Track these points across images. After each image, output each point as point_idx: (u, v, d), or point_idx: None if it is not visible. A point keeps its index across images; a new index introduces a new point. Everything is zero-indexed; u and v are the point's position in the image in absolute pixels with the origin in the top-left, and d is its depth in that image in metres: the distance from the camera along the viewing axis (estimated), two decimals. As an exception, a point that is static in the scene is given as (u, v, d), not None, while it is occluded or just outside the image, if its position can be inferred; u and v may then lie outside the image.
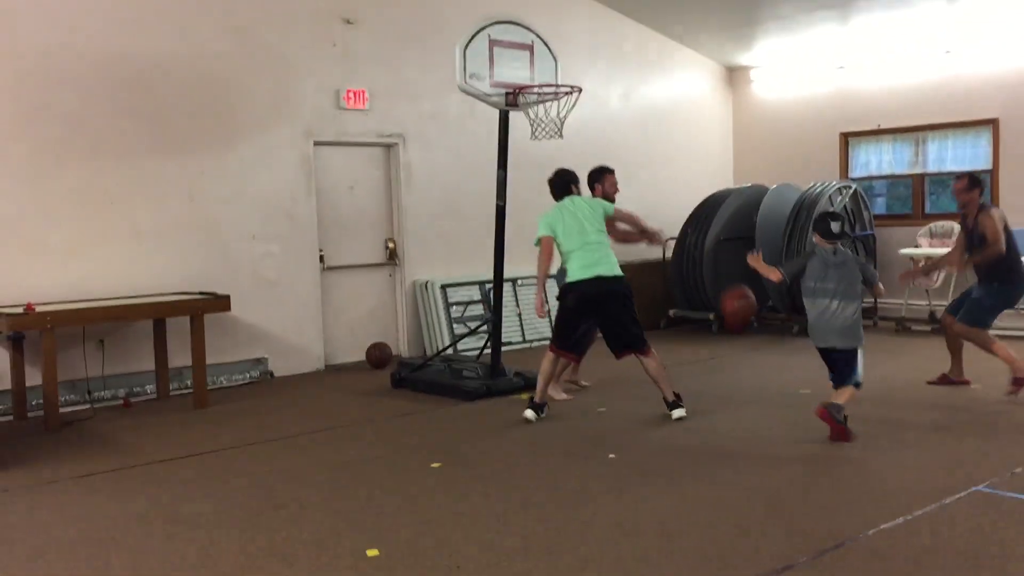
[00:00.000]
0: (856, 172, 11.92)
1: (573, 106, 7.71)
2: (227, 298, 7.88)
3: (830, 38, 11.38)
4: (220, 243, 8.57)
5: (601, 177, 7.43)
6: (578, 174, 7.05)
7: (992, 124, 10.63)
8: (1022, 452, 5.37)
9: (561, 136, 7.79)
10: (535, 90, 7.56)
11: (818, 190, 10.75)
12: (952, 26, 10.51)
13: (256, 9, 8.79)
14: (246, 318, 8.64)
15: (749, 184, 11.78)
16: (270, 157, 8.86)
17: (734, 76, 12.95)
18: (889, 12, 10.44)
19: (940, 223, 10.82)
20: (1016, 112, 10.41)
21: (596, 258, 6.51)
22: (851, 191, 11.04)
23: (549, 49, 7.80)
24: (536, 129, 7.68)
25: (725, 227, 10.98)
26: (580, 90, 7.68)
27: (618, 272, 6.59)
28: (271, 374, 8.78)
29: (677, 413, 6.51)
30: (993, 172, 10.64)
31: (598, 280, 6.47)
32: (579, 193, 6.94)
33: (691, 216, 11.40)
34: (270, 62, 8.85)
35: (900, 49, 11.16)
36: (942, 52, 10.90)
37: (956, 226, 10.47)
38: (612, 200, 7.25)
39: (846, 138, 11.89)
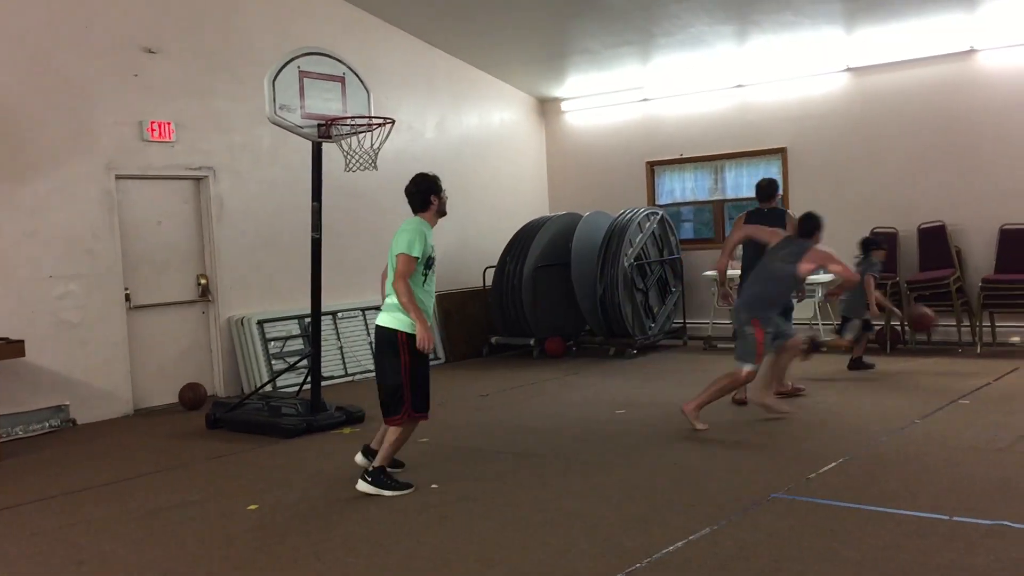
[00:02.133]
0: (662, 199, 12.51)
1: (387, 137, 7.72)
2: (21, 343, 7.38)
3: (634, 72, 11.94)
4: (14, 283, 8.02)
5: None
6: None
7: (782, 152, 11.43)
8: (814, 461, 5.74)
9: (376, 167, 7.78)
10: (348, 121, 7.52)
11: (628, 217, 11.20)
12: (743, 63, 11.26)
13: (49, 37, 8.33)
14: (44, 363, 8.11)
15: (564, 212, 12.14)
16: (68, 191, 8.39)
17: (546, 107, 13.34)
18: (685, 51, 11.09)
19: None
20: (801, 141, 11.23)
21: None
22: (658, 217, 11.57)
23: (361, 81, 7.79)
24: (350, 161, 7.63)
25: (542, 254, 11.26)
26: (393, 121, 7.70)
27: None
28: (73, 422, 8.26)
29: (362, 486, 5.48)
30: (784, 197, 11.42)
31: None
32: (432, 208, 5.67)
33: (509, 244, 11.62)
34: (65, 92, 8.40)
35: (698, 83, 11.84)
36: (735, 86, 11.65)
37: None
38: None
39: (652, 166, 12.47)
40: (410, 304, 5.30)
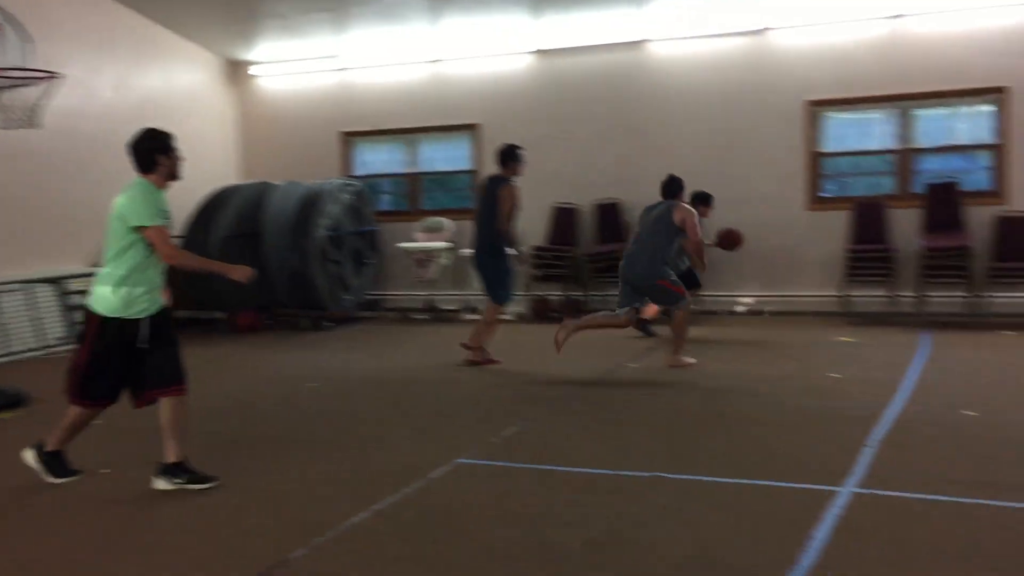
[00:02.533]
0: (359, 170, 12.45)
1: (50, 94, 7.04)
2: None
3: (329, 40, 11.75)
4: None
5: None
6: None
7: (474, 128, 11.76)
8: (500, 425, 5.99)
9: (38, 126, 7.08)
10: (3, 74, 6.77)
11: (322, 187, 11.04)
12: (439, 39, 11.43)
13: None
14: None
15: (256, 181, 11.73)
16: None
17: (237, 71, 12.79)
18: (381, 23, 11.08)
19: (434, 219, 11.71)
20: (493, 118, 11.61)
21: None
22: (354, 188, 11.51)
23: (17, 29, 7.03)
24: (4, 118, 6.89)
25: (232, 224, 10.82)
26: (57, 75, 7.03)
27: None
28: None
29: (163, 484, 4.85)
30: (476, 173, 11.78)
31: None
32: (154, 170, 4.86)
33: (196, 214, 11.06)
34: None
35: (394, 55, 11.87)
36: (431, 61, 11.80)
37: (446, 221, 11.45)
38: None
39: (347, 137, 12.36)
40: (195, 261, 5.04)
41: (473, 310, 11.40)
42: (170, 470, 4.83)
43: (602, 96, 11.12)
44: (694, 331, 8.36)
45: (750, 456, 5.13)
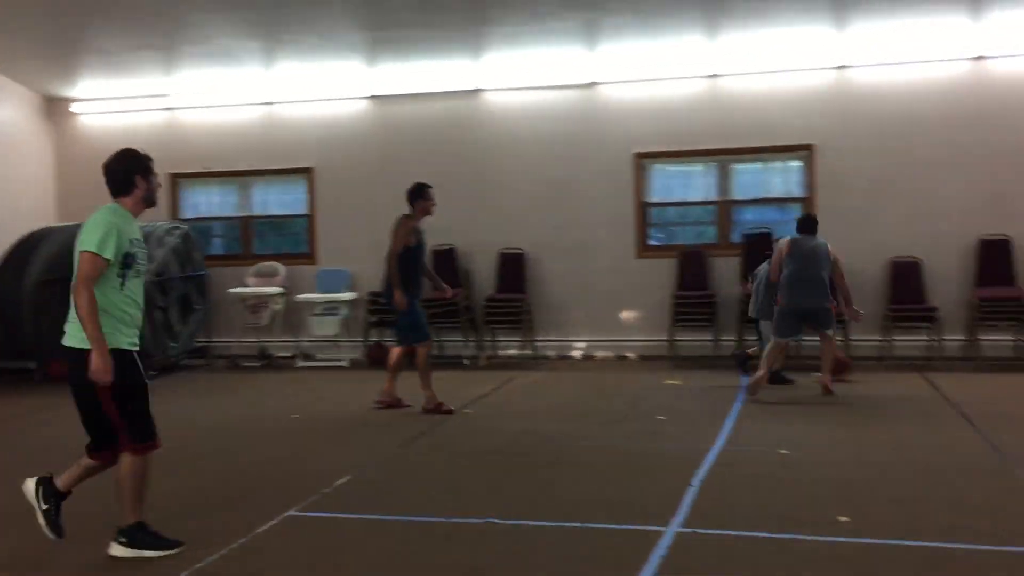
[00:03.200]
0: (188, 213, 12.04)
1: None
2: None
3: (158, 78, 11.37)
4: None
5: None
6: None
7: (309, 172, 11.61)
8: (327, 476, 5.86)
9: None
10: None
11: (146, 231, 10.59)
12: (271, 81, 11.28)
13: None
14: None
15: (75, 223, 11.13)
16: None
17: (57, 108, 12.15)
18: (213, 64, 10.85)
19: (267, 263, 11.45)
20: (328, 162, 11.50)
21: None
22: (181, 232, 11.09)
23: None
24: None
25: (47, 267, 10.21)
26: None
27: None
28: None
29: (117, 550, 4.41)
30: (311, 217, 11.61)
31: None
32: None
33: (8, 257, 10.40)
34: None
35: (226, 96, 11.59)
36: (263, 103, 11.60)
37: (280, 265, 11.23)
38: None
39: (175, 178, 11.94)
40: (89, 318, 4.16)
41: (307, 356, 11.17)
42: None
43: (438, 143, 11.22)
44: (536, 377, 8.46)
45: (579, 499, 5.22)
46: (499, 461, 6.20)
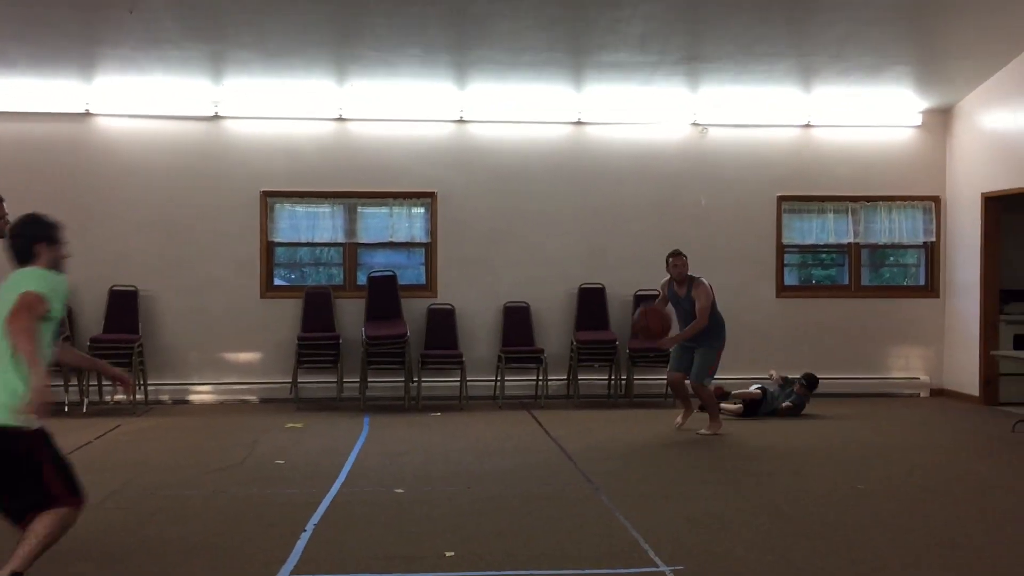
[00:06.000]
0: None
1: None
2: None
3: None
4: None
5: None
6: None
7: None
8: None
9: None
10: None
11: None
12: None
13: None
14: None
15: None
16: None
17: None
18: None
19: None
20: None
21: None
22: None
23: None
24: None
25: None
26: None
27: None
28: None
29: None
30: None
31: None
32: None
33: None
34: None
35: None
36: None
37: None
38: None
39: None
40: (32, 357, 3.85)
41: None
42: None
43: (41, 168, 10.21)
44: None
45: (182, 549, 4.92)
46: (98, 516, 5.67)
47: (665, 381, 9.55)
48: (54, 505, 4.06)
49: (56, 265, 4.26)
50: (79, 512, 4.18)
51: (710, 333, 8.48)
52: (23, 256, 4.21)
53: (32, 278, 4.09)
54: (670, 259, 8.62)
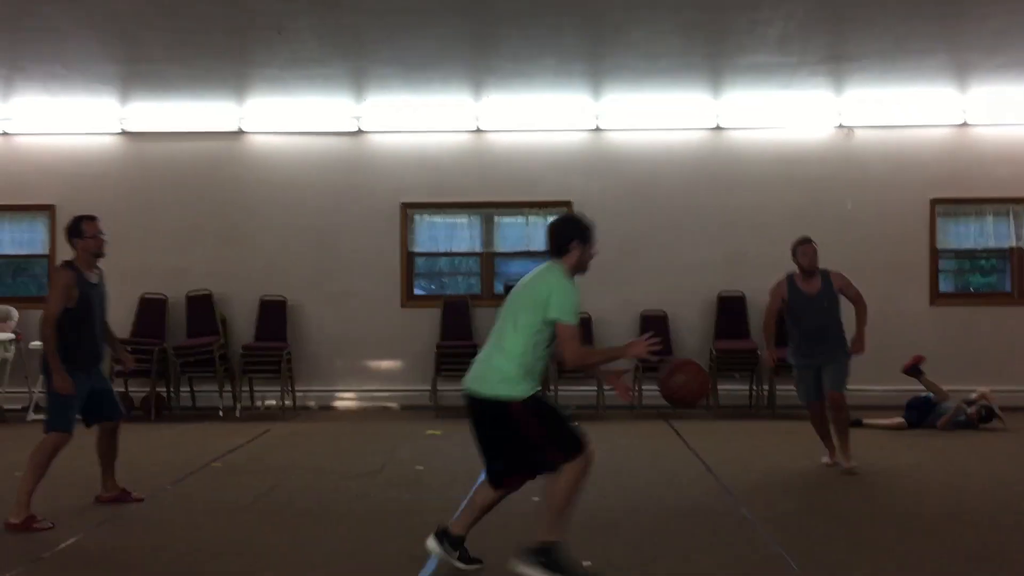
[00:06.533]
0: None
1: None
2: None
3: None
4: None
5: None
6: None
7: (50, 210, 10.78)
8: (49, 537, 5.35)
9: None
10: None
11: None
12: (8, 111, 10.47)
13: None
14: None
15: None
16: None
17: None
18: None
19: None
20: (72, 200, 10.72)
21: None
22: None
23: None
24: None
25: None
26: None
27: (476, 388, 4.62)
28: None
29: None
30: (50, 258, 10.77)
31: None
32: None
33: None
34: None
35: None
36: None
37: (13, 309, 10.29)
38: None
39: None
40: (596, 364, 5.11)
41: (41, 409, 10.23)
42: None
43: (196, 185, 10.78)
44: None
45: (332, 553, 5.06)
46: (247, 517, 5.91)
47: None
48: (550, 469, 4.45)
49: (583, 263, 4.63)
50: (582, 465, 4.45)
51: (838, 342, 7.12)
52: (558, 250, 4.60)
53: (558, 295, 4.43)
54: (799, 247, 7.15)
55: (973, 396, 9.32)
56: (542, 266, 4.61)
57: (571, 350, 4.45)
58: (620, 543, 5.29)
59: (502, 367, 4.47)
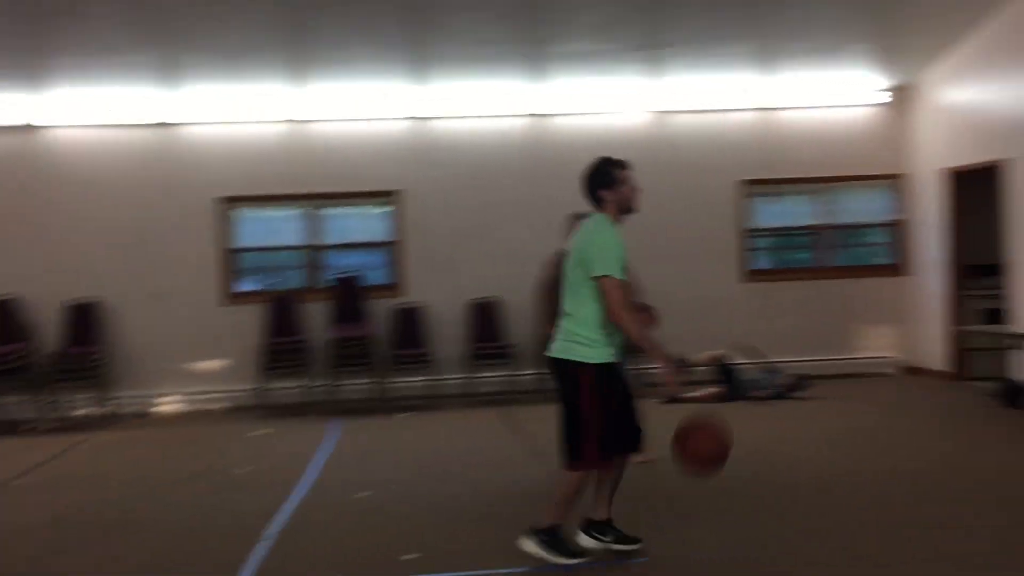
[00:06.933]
0: None
1: None
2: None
3: None
4: None
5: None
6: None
7: None
8: None
9: None
10: None
11: None
12: None
13: None
14: None
15: None
16: None
17: None
18: None
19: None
20: None
21: None
22: None
23: None
24: None
25: None
26: None
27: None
28: None
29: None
30: None
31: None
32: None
33: None
34: None
35: None
36: None
37: None
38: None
39: None
40: (635, 330, 4.39)
41: None
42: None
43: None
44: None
45: (141, 566, 4.79)
46: (50, 536, 5.51)
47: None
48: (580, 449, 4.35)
49: (625, 204, 4.51)
50: (576, 482, 4.40)
51: None
52: (597, 203, 4.51)
53: (594, 249, 4.32)
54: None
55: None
56: (588, 220, 4.55)
57: (610, 302, 4.26)
58: (442, 534, 5.25)
59: (574, 331, 4.37)
